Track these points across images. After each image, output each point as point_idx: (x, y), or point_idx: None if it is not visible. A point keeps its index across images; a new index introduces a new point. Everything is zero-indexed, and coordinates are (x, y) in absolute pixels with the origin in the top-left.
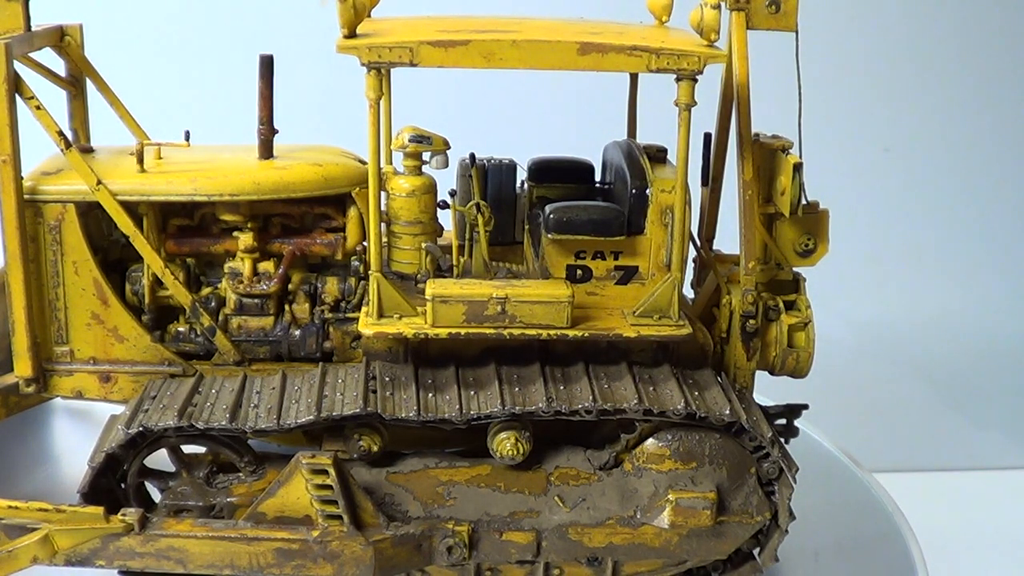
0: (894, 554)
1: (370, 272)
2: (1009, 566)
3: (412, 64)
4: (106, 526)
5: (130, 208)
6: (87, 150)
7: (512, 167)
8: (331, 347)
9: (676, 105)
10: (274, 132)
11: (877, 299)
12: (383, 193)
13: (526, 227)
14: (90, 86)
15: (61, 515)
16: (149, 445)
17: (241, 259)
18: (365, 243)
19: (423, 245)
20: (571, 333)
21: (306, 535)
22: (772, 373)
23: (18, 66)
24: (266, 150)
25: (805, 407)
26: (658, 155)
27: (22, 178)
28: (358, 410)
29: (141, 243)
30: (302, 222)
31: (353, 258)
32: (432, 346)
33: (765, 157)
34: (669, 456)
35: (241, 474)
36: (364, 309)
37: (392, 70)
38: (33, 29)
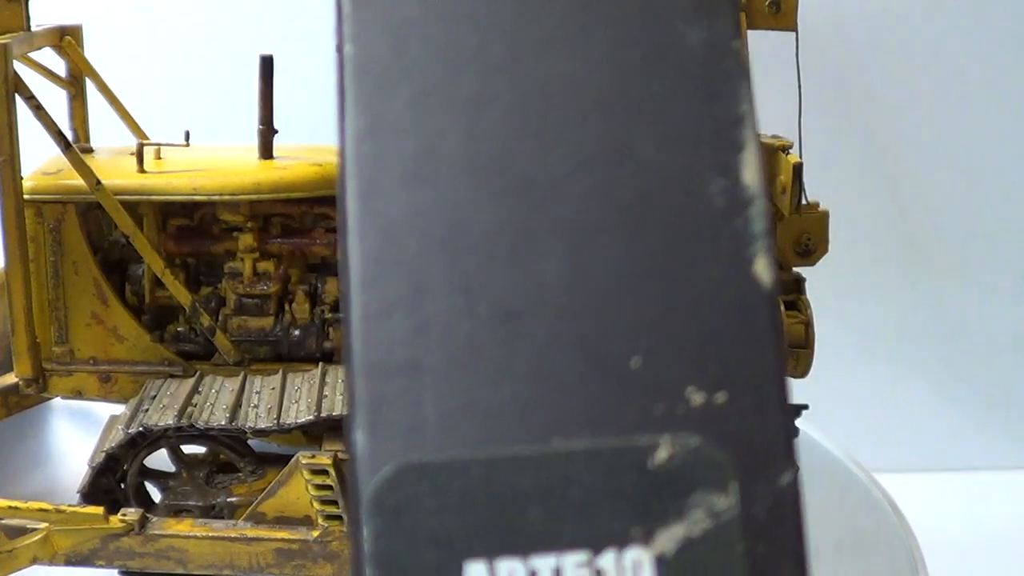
0: (894, 554)
1: None
2: (1009, 566)
3: None
4: (106, 526)
5: (130, 208)
6: (87, 150)
7: None
8: (331, 347)
9: None
10: (274, 132)
11: (877, 299)
12: None
13: None
14: (90, 86)
15: (61, 515)
16: (149, 445)
17: (241, 259)
18: None
19: None
20: None
21: (306, 535)
22: None
23: (18, 66)
24: (266, 150)
25: (805, 407)
26: None
27: (22, 178)
28: None
29: (141, 243)
30: (302, 222)
31: None
32: None
33: (765, 157)
34: None
35: (241, 474)
36: None
37: None
38: (33, 29)
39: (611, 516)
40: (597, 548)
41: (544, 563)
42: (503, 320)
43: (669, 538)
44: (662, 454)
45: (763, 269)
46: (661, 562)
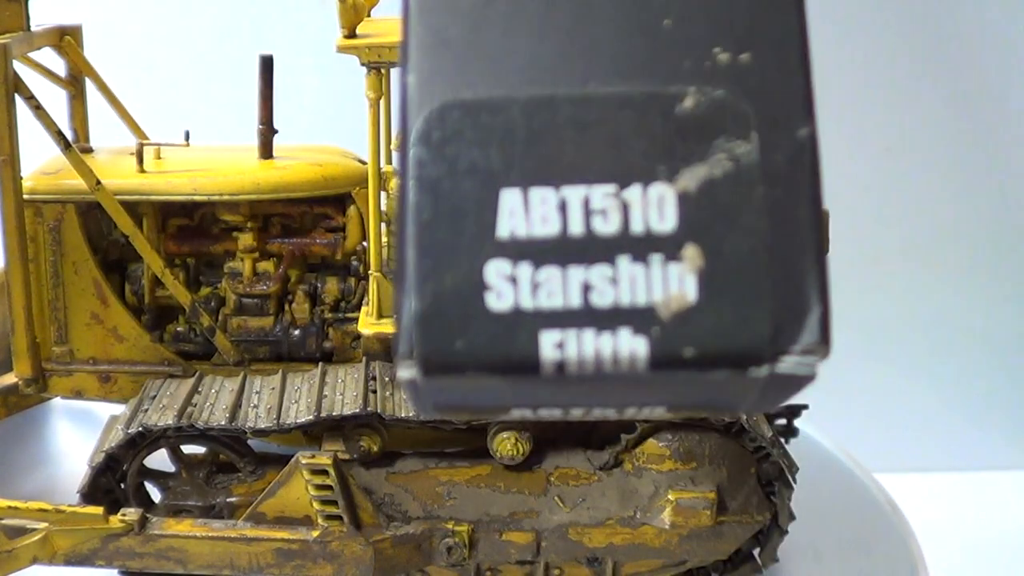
0: (894, 554)
1: (370, 272)
2: (1009, 566)
3: None
4: (106, 526)
5: (130, 208)
6: (87, 150)
7: None
8: (331, 347)
9: None
10: (274, 132)
11: (877, 299)
12: (383, 193)
13: None
14: (90, 86)
15: (61, 515)
16: (149, 445)
17: (241, 259)
18: (365, 243)
19: None
20: None
21: (306, 535)
22: None
23: (18, 66)
24: (266, 150)
25: (805, 407)
26: None
27: (22, 178)
28: (358, 410)
29: (141, 243)
30: (302, 222)
31: (353, 258)
32: None
33: None
34: (669, 456)
35: (241, 474)
36: (364, 309)
37: (392, 70)
38: (33, 29)
39: (639, 154)
40: (624, 182)
41: (574, 192)
42: None
43: (692, 177)
44: (688, 102)
45: None
46: (683, 198)
